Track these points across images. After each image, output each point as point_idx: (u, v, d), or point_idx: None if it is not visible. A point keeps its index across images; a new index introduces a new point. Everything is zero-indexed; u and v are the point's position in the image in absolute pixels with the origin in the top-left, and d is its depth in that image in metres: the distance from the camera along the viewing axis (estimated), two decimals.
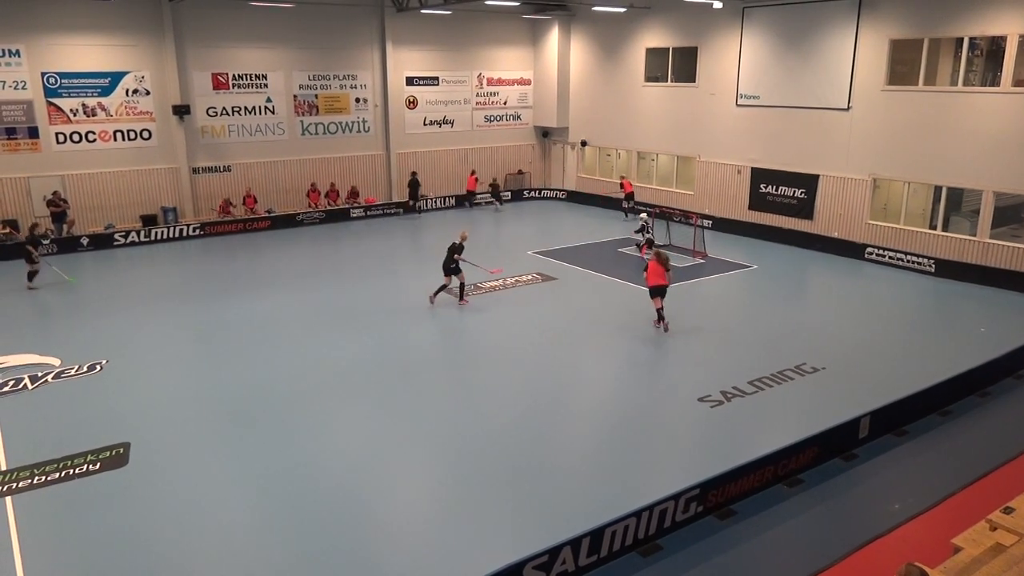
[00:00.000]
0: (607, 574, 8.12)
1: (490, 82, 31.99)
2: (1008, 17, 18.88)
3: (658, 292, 15.36)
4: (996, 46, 19.59)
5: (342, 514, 9.26)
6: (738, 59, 25.39)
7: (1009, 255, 19.57)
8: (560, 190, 32.62)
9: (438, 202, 30.22)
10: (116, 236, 23.80)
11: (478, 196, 30.52)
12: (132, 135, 24.83)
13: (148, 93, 24.78)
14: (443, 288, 17.13)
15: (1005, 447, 10.81)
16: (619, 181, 28.93)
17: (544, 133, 33.85)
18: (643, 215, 22.63)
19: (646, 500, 8.52)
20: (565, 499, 9.61)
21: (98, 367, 13.75)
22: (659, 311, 15.49)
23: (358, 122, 29.21)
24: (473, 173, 30.55)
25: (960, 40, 20.15)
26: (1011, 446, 10.84)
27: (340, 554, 8.49)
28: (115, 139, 24.55)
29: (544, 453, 10.86)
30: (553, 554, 7.69)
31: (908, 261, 20.77)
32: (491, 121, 32.51)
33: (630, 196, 27.95)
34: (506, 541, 8.61)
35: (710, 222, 25.14)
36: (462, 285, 17.36)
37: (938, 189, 21.15)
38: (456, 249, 17.02)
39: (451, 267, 17.00)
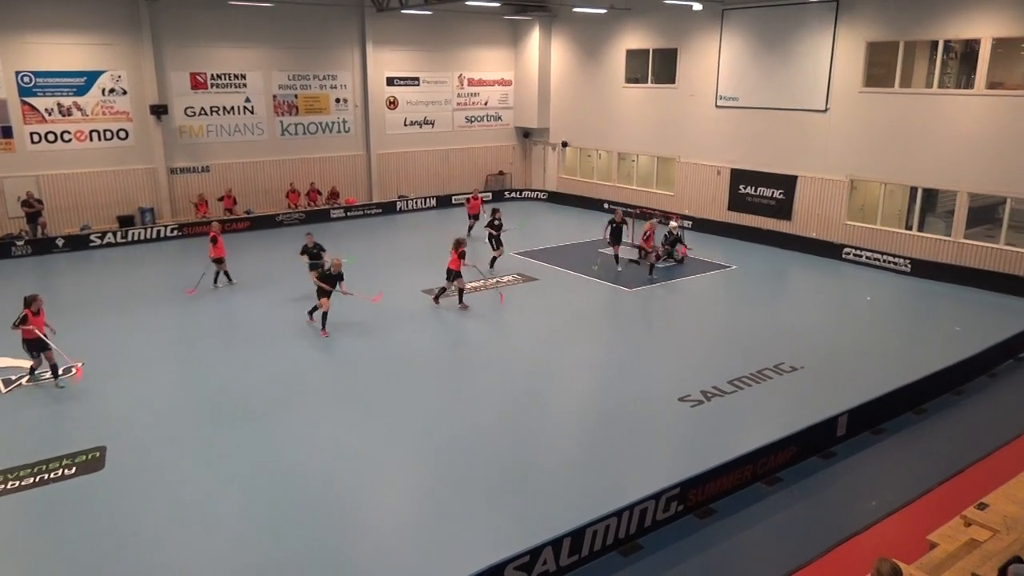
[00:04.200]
0: (588, 574, 8.14)
1: (471, 83, 31.98)
2: (981, 20, 19.16)
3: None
4: (970, 49, 19.86)
5: (324, 516, 9.20)
6: (717, 61, 25.56)
7: (983, 255, 19.86)
8: (541, 191, 32.67)
9: (419, 203, 30.14)
10: (92, 237, 23.51)
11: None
12: (108, 135, 24.56)
13: (125, 93, 24.52)
14: (317, 310, 15.72)
15: (979, 444, 10.96)
16: (470, 197, 25.35)
17: (525, 134, 33.88)
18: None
19: (627, 500, 8.55)
20: (546, 499, 9.62)
21: (73, 370, 13.57)
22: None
23: (338, 122, 29.08)
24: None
25: (935, 43, 20.42)
26: (985, 443, 10.99)
27: (322, 557, 8.44)
28: (91, 139, 24.27)
29: (525, 453, 10.87)
30: (534, 554, 7.70)
31: (884, 261, 21.01)
32: (472, 122, 32.49)
33: (476, 216, 24.59)
34: (488, 542, 8.60)
35: (690, 223, 25.30)
36: (325, 314, 15.54)
37: (914, 190, 21.42)
38: (334, 276, 15.63)
39: (326, 290, 15.51)
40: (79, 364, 13.31)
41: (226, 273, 19.00)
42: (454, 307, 17.33)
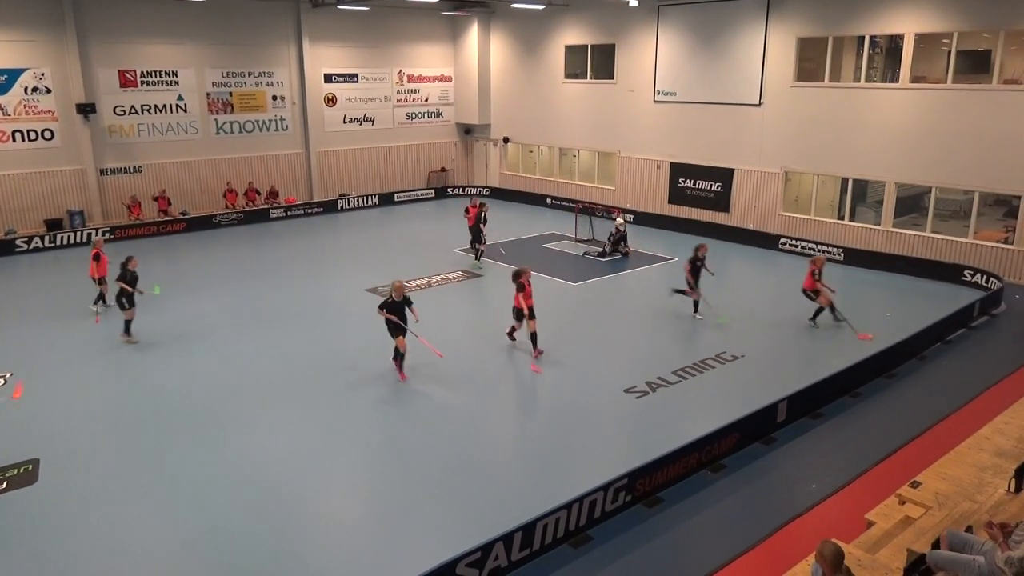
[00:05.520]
0: (540, 567, 8.18)
1: (411, 79, 31.73)
2: (905, 17, 19.89)
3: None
4: (895, 44, 20.60)
5: (270, 524, 9.03)
6: (655, 56, 25.92)
7: (911, 242, 20.65)
8: (484, 187, 32.64)
9: (361, 201, 29.80)
10: (18, 242, 22.57)
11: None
12: (33, 135, 23.59)
13: (49, 91, 23.58)
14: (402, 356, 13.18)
15: (911, 425, 11.39)
16: (469, 207, 21.99)
17: (466, 130, 33.79)
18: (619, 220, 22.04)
19: (576, 492, 8.62)
20: (497, 495, 9.63)
21: (2, 380, 13.02)
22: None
23: (276, 120, 28.53)
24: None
25: (862, 38, 21.13)
26: (916, 423, 11.43)
27: (270, 565, 8.28)
28: (14, 140, 23.28)
29: (474, 450, 10.86)
30: (486, 550, 7.70)
31: (819, 250, 21.58)
32: (412, 118, 32.26)
33: (475, 229, 20.88)
34: (439, 540, 8.56)
35: (631, 216, 25.62)
36: (403, 355, 13.06)
37: (845, 181, 22.13)
38: (401, 304, 12.80)
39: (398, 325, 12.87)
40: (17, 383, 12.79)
41: (102, 295, 16.58)
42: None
